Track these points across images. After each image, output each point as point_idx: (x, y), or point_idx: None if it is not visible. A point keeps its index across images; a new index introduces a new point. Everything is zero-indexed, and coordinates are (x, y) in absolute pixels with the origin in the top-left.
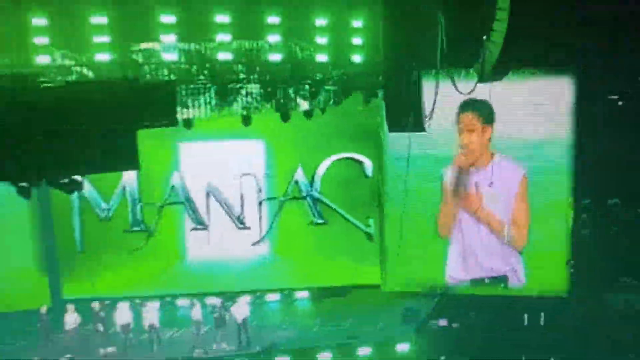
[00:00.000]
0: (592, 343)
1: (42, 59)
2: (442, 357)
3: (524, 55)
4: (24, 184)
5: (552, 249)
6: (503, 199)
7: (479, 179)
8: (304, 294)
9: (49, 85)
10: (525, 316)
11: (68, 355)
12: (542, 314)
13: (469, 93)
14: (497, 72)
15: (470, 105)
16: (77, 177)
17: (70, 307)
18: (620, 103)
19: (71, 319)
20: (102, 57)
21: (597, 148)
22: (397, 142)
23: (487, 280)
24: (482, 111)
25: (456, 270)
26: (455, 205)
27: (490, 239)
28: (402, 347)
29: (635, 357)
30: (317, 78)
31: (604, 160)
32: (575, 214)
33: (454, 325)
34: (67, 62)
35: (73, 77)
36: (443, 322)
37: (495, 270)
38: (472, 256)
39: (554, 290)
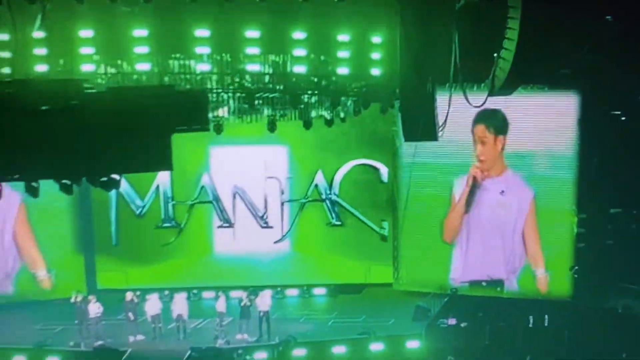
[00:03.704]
0: (592, 344)
1: (88, 67)
2: (450, 358)
3: (532, 73)
4: (66, 181)
5: (557, 255)
6: (514, 210)
7: (491, 186)
8: (321, 290)
9: (93, 90)
10: (531, 318)
11: (100, 342)
12: (547, 316)
13: (480, 106)
14: (506, 87)
15: (482, 117)
16: (115, 176)
17: (92, 297)
18: (623, 118)
19: (94, 308)
20: (142, 66)
21: (601, 160)
22: (412, 150)
23: (484, 284)
24: (494, 123)
25: (458, 273)
26: (462, 214)
27: (492, 246)
28: (412, 344)
29: (629, 356)
30: (338, 89)
31: (607, 172)
32: (579, 222)
33: (463, 324)
34: (110, 70)
35: (114, 84)
36: (452, 321)
37: (493, 275)
38: (474, 261)
39: (558, 293)
